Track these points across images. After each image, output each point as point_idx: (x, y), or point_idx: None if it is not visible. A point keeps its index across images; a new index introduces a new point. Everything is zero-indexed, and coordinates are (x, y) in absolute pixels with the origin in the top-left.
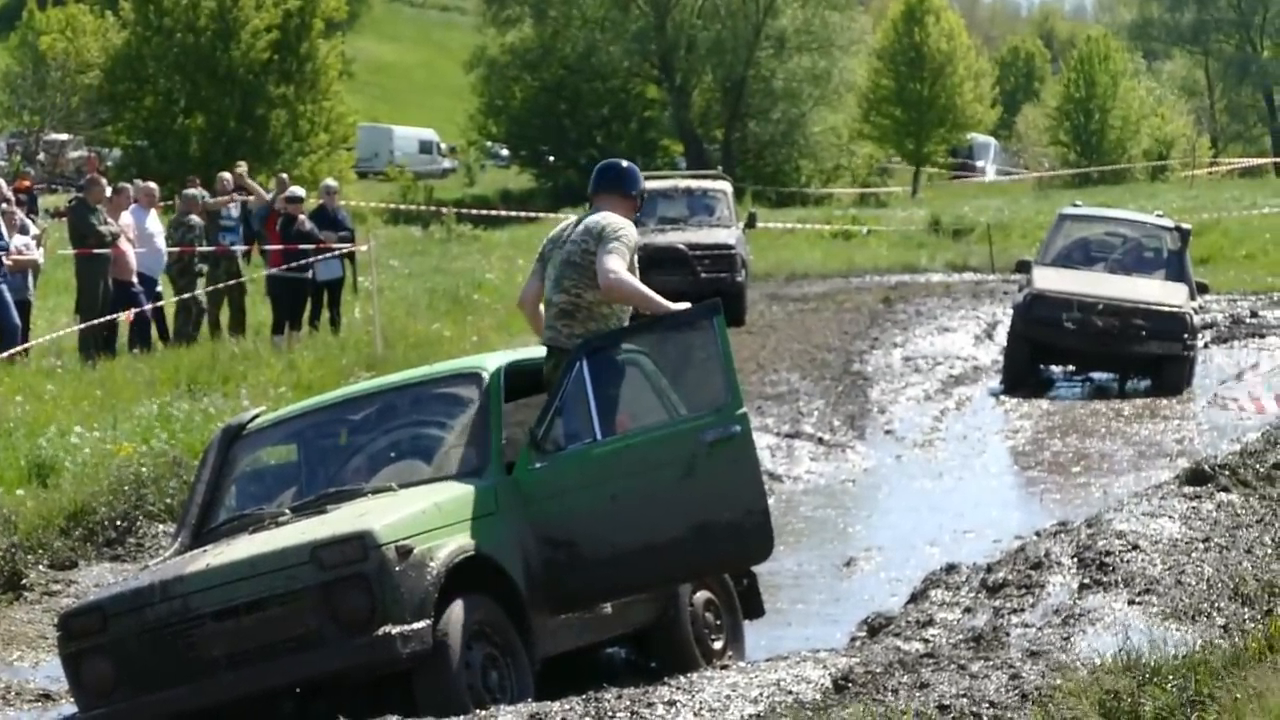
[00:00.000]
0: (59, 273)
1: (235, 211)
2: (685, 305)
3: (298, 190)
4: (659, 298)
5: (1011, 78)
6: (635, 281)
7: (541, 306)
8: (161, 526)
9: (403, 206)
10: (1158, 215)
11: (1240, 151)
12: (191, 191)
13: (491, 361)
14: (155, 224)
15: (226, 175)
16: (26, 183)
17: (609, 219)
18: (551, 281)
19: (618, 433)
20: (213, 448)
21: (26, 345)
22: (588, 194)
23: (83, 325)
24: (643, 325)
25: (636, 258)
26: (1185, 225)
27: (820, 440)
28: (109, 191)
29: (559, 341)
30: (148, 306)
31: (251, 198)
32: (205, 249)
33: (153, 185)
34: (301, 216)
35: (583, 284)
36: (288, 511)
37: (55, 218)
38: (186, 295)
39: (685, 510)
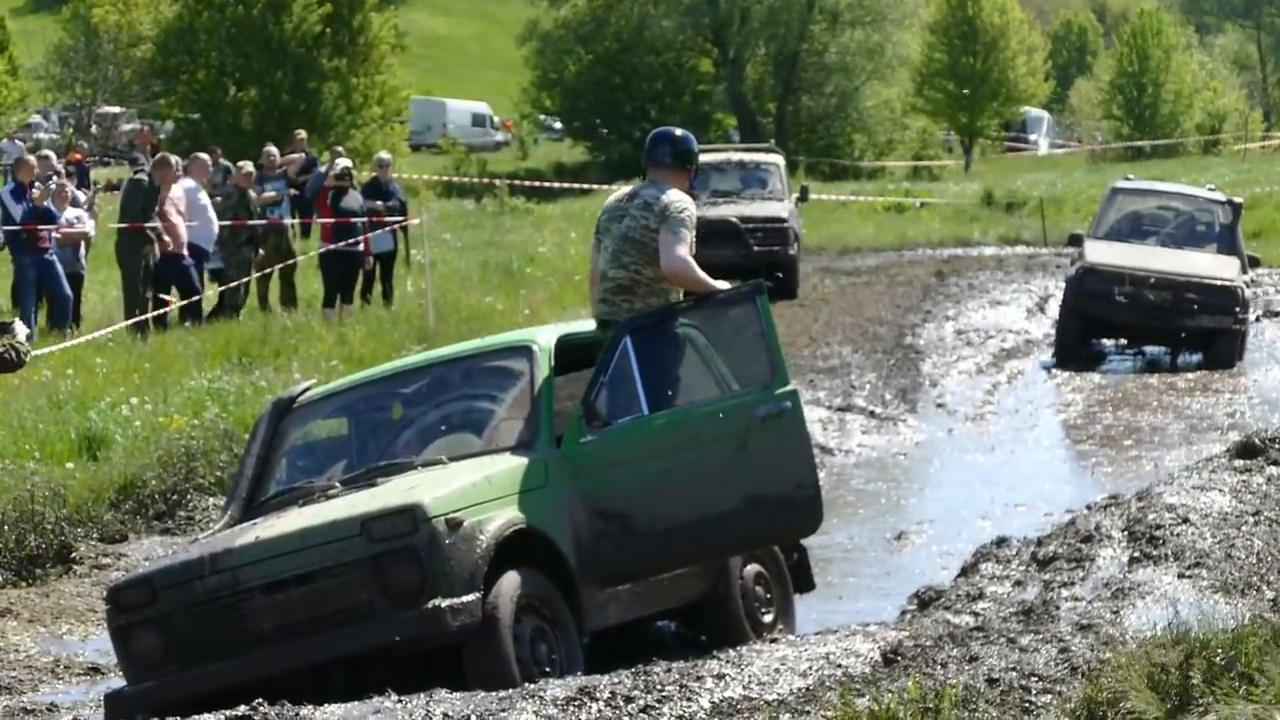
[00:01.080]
0: (110, 245)
1: (283, 185)
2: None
3: (343, 163)
4: (714, 284)
5: (1064, 51)
6: (697, 268)
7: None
8: (212, 499)
9: (456, 179)
10: (1210, 189)
11: None
12: (245, 166)
13: (543, 335)
14: (206, 197)
15: (273, 149)
16: (78, 155)
17: (670, 197)
18: (609, 255)
19: (670, 406)
20: (263, 421)
21: (87, 337)
22: (642, 163)
23: (129, 322)
24: (687, 304)
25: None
26: (1237, 199)
27: (872, 413)
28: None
29: (616, 316)
30: (210, 293)
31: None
32: (256, 222)
33: (204, 157)
34: (352, 191)
35: (642, 260)
36: (338, 484)
37: (110, 190)
38: (234, 284)
39: (737, 484)
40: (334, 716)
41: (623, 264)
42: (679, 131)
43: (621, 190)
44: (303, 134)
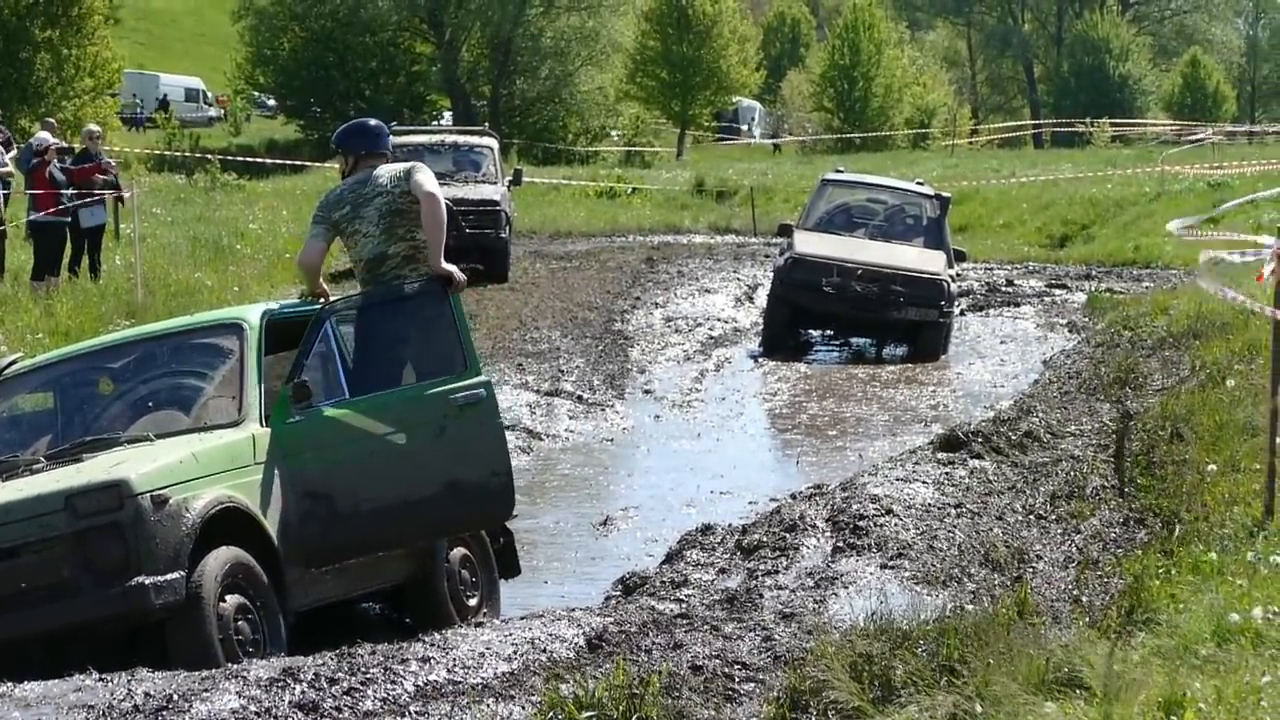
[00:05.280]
0: None
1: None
2: (452, 268)
3: (45, 135)
4: (440, 250)
5: (777, 43)
6: (444, 214)
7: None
8: None
9: (168, 154)
10: (918, 183)
11: (1000, 121)
12: None
13: (253, 313)
14: None
15: None
16: None
17: (411, 167)
18: (379, 238)
19: (369, 391)
20: None
21: None
22: (344, 152)
23: None
24: (381, 292)
25: None
26: (945, 193)
27: (580, 398)
28: None
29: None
30: None
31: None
32: None
33: None
34: (54, 163)
35: (416, 227)
36: (42, 459)
37: None
38: None
39: (437, 469)
40: (34, 694)
41: (399, 237)
42: (374, 121)
43: (338, 187)
44: None
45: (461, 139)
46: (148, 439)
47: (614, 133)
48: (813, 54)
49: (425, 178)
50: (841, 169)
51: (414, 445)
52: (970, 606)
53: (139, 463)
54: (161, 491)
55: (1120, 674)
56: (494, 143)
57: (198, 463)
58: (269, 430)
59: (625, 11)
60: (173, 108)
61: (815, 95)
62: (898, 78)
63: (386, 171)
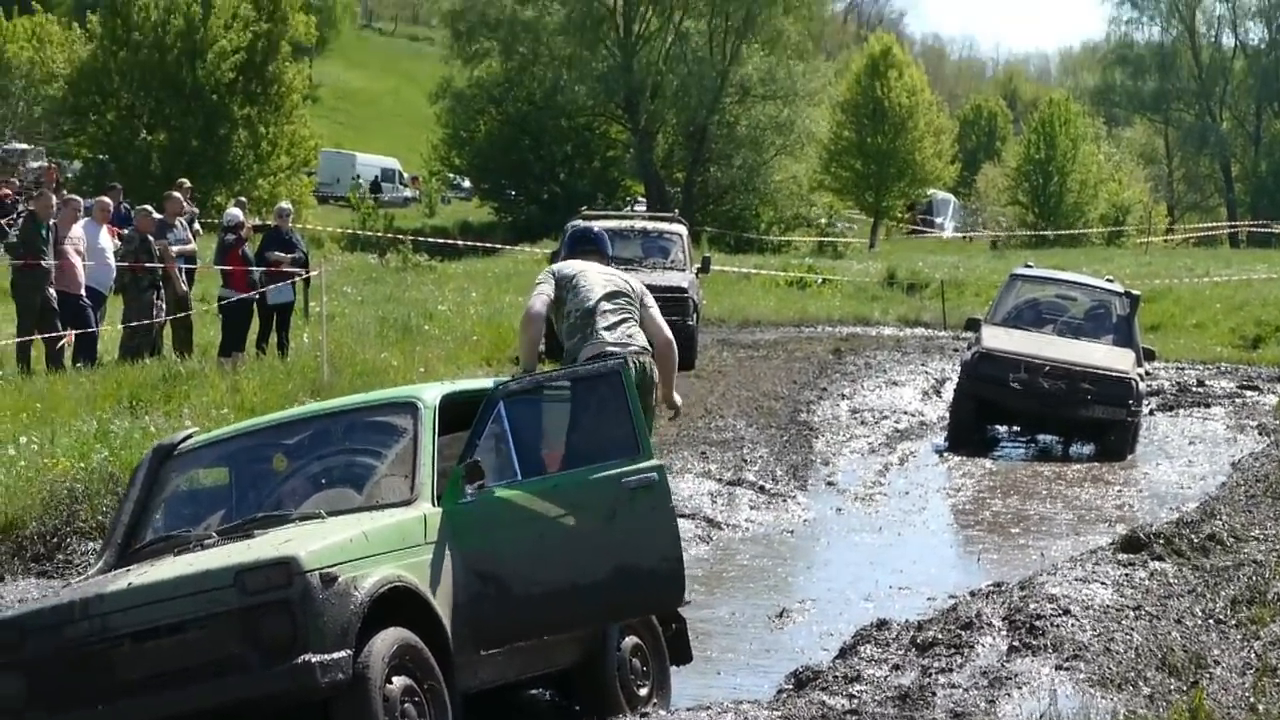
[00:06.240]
0: (4, 282)
1: (184, 232)
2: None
3: (236, 212)
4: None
5: (973, 135)
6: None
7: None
8: (92, 544)
9: (361, 233)
10: (1108, 280)
11: (1196, 220)
12: (146, 209)
13: (428, 392)
14: (106, 239)
15: (176, 194)
16: (6, 191)
17: (644, 290)
18: (597, 295)
19: (544, 473)
20: (143, 466)
21: None
22: (567, 253)
23: (20, 339)
24: (558, 374)
25: None
26: (1135, 291)
27: (762, 489)
28: (55, 204)
29: (625, 342)
30: (96, 328)
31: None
32: (154, 264)
33: (106, 200)
34: (245, 243)
35: (631, 305)
36: (214, 534)
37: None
38: (144, 322)
39: (607, 553)
40: None
41: (619, 307)
42: (597, 227)
43: (577, 265)
44: (187, 183)
45: (651, 225)
46: (319, 516)
47: (820, 217)
48: (1008, 147)
49: (658, 313)
50: (1030, 264)
51: (584, 528)
52: (1144, 711)
53: (309, 540)
54: (330, 569)
55: None
56: (683, 229)
57: (368, 541)
58: (440, 510)
59: (820, 101)
60: (368, 187)
61: (1010, 189)
62: (1093, 173)
63: (622, 274)
